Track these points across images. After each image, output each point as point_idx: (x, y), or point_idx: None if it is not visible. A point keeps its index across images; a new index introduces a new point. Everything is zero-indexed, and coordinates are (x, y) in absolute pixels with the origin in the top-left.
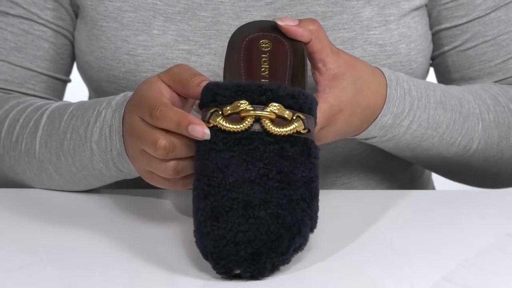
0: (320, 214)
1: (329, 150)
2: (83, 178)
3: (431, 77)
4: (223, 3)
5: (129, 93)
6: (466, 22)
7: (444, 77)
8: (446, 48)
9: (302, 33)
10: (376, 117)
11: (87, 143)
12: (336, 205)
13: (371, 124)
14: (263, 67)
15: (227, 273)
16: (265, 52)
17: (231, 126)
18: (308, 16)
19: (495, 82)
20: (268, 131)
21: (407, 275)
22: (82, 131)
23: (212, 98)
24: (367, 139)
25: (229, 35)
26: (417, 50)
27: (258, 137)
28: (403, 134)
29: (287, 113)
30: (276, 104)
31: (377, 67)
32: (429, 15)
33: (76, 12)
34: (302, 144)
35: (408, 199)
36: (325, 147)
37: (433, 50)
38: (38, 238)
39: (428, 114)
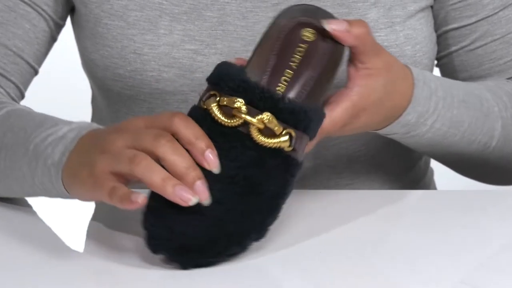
0: (321, 214)
1: (333, 152)
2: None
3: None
4: (229, 3)
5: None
6: (474, 22)
7: (451, 77)
8: (453, 48)
9: (348, 40)
10: (400, 115)
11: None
12: (338, 205)
13: (394, 121)
14: (295, 57)
15: (154, 252)
16: (304, 42)
17: (221, 117)
18: None
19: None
20: (252, 137)
21: (410, 277)
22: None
23: (217, 81)
24: (388, 134)
25: (235, 35)
26: (422, 52)
27: (241, 139)
28: (425, 132)
29: (276, 128)
30: (269, 115)
31: (406, 66)
32: (436, 16)
33: (70, 3)
34: (282, 159)
35: (412, 199)
36: (330, 148)
37: (440, 51)
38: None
39: (451, 113)
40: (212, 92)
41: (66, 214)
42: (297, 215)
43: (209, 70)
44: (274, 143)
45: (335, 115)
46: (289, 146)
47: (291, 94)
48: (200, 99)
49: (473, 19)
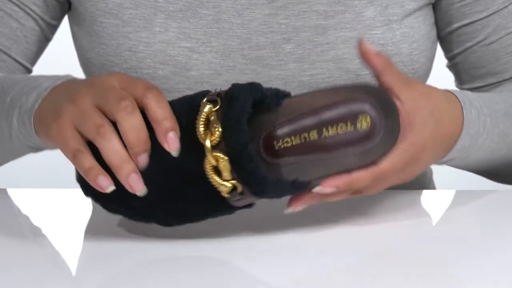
0: (320, 214)
1: None
2: None
3: (433, 76)
4: (224, 0)
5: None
6: (486, 17)
7: (468, 74)
8: (468, 44)
9: (376, 61)
10: (456, 141)
11: None
12: (337, 205)
13: (452, 148)
14: (332, 128)
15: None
16: (353, 125)
17: (200, 124)
18: (310, 14)
19: None
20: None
21: (409, 277)
22: None
23: (229, 96)
24: (446, 162)
25: (231, 33)
26: (419, 50)
27: (198, 153)
28: (477, 151)
29: (225, 174)
30: (226, 162)
31: (447, 90)
32: (445, 13)
33: (62, 4)
34: (214, 193)
35: (412, 199)
36: None
37: (454, 48)
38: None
39: (498, 129)
40: (217, 99)
41: (65, 213)
42: (297, 215)
43: (204, 68)
44: (215, 180)
45: (392, 157)
46: (227, 193)
47: (292, 154)
48: (209, 94)
49: (484, 14)
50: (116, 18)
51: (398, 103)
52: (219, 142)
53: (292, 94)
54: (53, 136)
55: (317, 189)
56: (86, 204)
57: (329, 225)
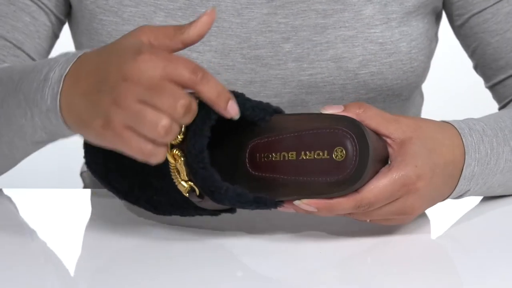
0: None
1: None
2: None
3: (433, 75)
4: (224, 0)
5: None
6: (494, 4)
7: (490, 69)
8: (482, 35)
9: (350, 115)
10: (462, 170)
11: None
12: None
13: (459, 179)
14: (311, 153)
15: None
16: (330, 155)
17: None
18: (309, 13)
19: None
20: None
21: (408, 277)
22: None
23: (201, 101)
24: (461, 195)
25: (230, 32)
26: (418, 49)
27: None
28: (493, 175)
29: (182, 175)
30: (182, 164)
31: (444, 121)
32: (455, 4)
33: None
34: (175, 188)
35: None
36: None
37: (471, 42)
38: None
39: (510, 146)
40: (197, 101)
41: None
42: (297, 215)
43: (203, 67)
44: (175, 178)
45: (378, 185)
46: (186, 192)
47: (271, 169)
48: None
49: (492, 1)
50: (116, 16)
51: (388, 140)
52: (183, 142)
53: (291, 93)
54: (110, 142)
55: (296, 202)
56: (85, 205)
57: (329, 225)
